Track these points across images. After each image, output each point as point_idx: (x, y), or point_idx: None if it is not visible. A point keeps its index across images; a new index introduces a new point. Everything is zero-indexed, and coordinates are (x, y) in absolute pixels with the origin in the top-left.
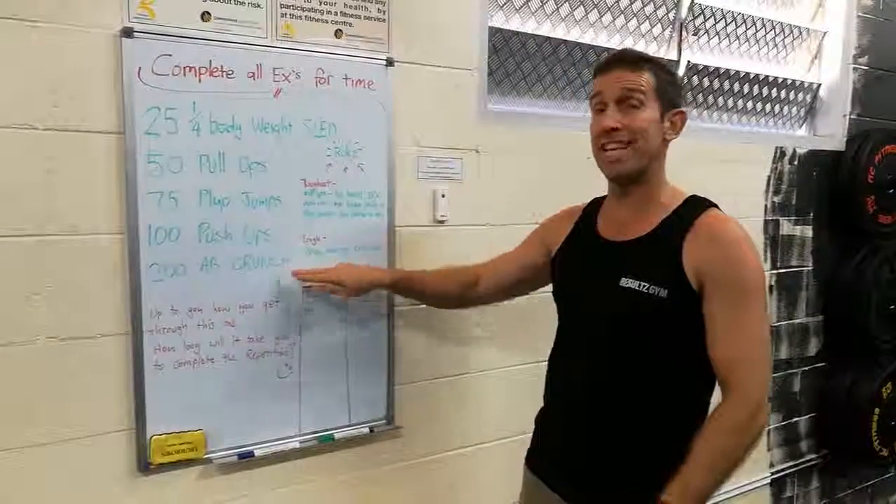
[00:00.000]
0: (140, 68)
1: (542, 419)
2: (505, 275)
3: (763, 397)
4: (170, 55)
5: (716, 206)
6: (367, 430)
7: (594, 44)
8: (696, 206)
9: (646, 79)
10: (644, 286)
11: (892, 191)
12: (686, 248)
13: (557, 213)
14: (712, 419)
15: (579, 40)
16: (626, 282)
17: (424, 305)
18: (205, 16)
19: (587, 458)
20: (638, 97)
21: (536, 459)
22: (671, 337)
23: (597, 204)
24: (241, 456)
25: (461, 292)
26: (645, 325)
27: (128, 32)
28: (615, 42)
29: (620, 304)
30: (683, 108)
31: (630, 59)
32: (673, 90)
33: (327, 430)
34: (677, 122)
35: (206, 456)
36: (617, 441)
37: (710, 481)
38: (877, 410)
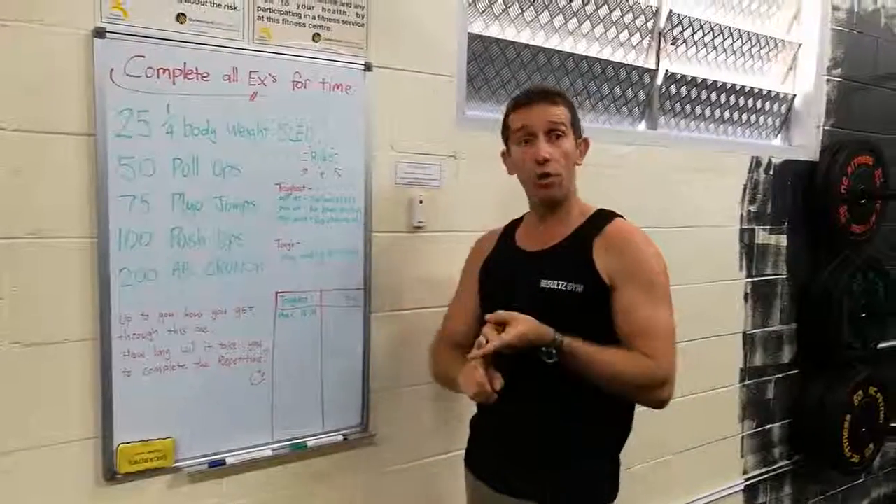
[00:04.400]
0: (112, 69)
1: (478, 421)
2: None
3: (671, 374)
4: (143, 56)
5: (621, 216)
6: (340, 437)
7: (573, 52)
8: (605, 216)
9: (563, 111)
10: (562, 284)
11: (864, 201)
12: (596, 250)
13: (476, 244)
14: (637, 354)
15: (558, 48)
16: (545, 283)
17: (401, 311)
18: (180, 17)
19: (525, 449)
20: (561, 128)
21: (474, 460)
22: (588, 328)
23: (515, 224)
24: (212, 464)
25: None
26: (564, 318)
27: (100, 33)
28: (594, 50)
29: (541, 303)
30: (586, 136)
31: (550, 94)
32: (579, 121)
33: (300, 438)
34: (584, 148)
35: (176, 464)
36: (547, 430)
37: (591, 361)
38: (848, 417)
